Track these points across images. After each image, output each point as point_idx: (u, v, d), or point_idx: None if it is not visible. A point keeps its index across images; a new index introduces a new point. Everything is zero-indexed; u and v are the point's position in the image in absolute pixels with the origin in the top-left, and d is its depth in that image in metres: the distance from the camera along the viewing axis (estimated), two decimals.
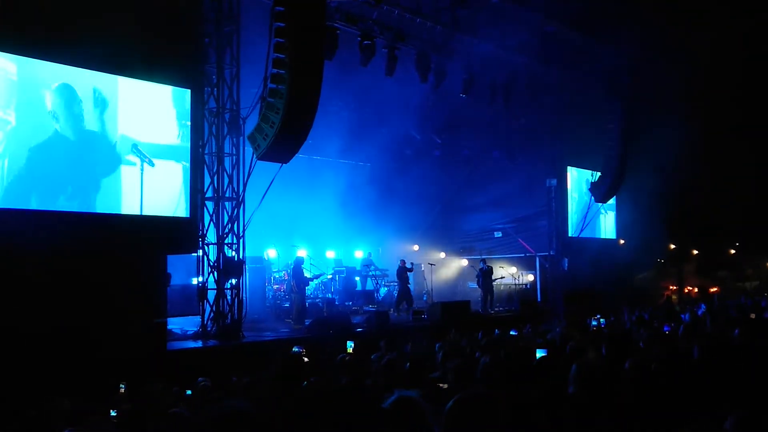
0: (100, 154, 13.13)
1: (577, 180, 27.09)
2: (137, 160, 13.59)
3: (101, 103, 13.11)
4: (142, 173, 13.61)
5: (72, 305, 11.68)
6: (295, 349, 11.10)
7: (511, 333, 12.88)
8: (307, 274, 19.46)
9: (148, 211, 13.64)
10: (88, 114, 12.90)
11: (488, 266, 22.94)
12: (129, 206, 13.42)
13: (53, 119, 12.37)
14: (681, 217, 30.38)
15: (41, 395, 9.11)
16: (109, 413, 7.73)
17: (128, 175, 13.46)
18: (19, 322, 11.05)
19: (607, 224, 28.99)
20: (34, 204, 12.04)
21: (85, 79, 12.78)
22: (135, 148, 13.54)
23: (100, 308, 12.03)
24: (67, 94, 12.57)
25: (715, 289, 32.78)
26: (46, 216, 12.05)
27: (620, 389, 5.19)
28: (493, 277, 23.32)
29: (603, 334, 11.44)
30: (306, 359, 9.97)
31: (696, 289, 33.44)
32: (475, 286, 23.69)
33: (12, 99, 11.86)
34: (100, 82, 13.01)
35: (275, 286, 20.31)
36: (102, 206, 12.99)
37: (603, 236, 28.57)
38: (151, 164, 13.80)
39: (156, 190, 13.87)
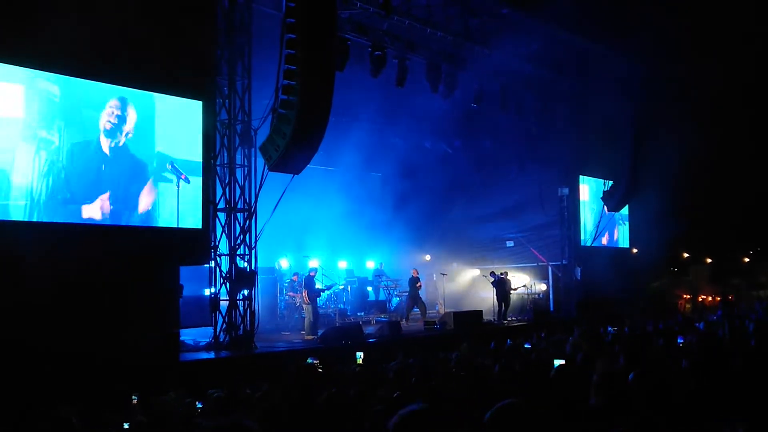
0: (138, 171, 13.42)
1: (594, 190, 27.06)
2: (173, 177, 13.89)
3: (140, 121, 13.41)
4: (178, 190, 13.96)
5: (85, 316, 11.73)
6: (309, 360, 11.10)
7: (525, 346, 12.78)
8: (319, 285, 19.46)
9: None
10: (128, 132, 13.15)
11: (504, 275, 22.83)
12: (165, 221, 13.82)
13: (94, 137, 12.71)
14: (694, 224, 30.21)
15: (53, 404, 9.14)
16: (122, 425, 7.73)
17: (164, 191, 13.83)
18: (35, 332, 11.10)
19: (624, 234, 28.99)
20: (63, 218, 12.23)
21: (123, 97, 13.04)
22: (172, 165, 13.77)
23: (113, 319, 12.07)
24: (111, 114, 12.93)
25: (729, 297, 32.59)
26: (66, 228, 12.16)
27: (634, 399, 5.16)
28: (513, 286, 23.32)
29: (616, 343, 11.39)
30: (320, 370, 9.98)
31: (710, 298, 33.24)
32: (488, 295, 23.63)
33: (55, 119, 12.20)
34: (137, 99, 13.25)
35: (289, 294, 20.29)
36: (139, 221, 13.30)
37: (622, 246, 28.58)
38: (187, 181, 14.07)
39: (190, 205, 14.20)
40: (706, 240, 33.51)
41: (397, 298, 23.94)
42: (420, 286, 22.21)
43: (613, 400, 4.82)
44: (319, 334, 17.11)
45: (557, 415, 4.87)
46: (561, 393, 5.40)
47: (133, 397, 9.08)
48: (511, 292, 23.37)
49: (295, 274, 20.41)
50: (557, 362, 7.50)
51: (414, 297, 21.63)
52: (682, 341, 11.47)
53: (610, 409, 4.79)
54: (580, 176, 26.31)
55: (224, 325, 15.15)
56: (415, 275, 21.89)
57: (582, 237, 26.16)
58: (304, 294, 18.08)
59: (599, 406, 4.83)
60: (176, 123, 14.09)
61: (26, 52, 11.73)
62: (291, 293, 20.28)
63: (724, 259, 36.06)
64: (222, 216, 15.50)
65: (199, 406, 8.70)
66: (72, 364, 11.23)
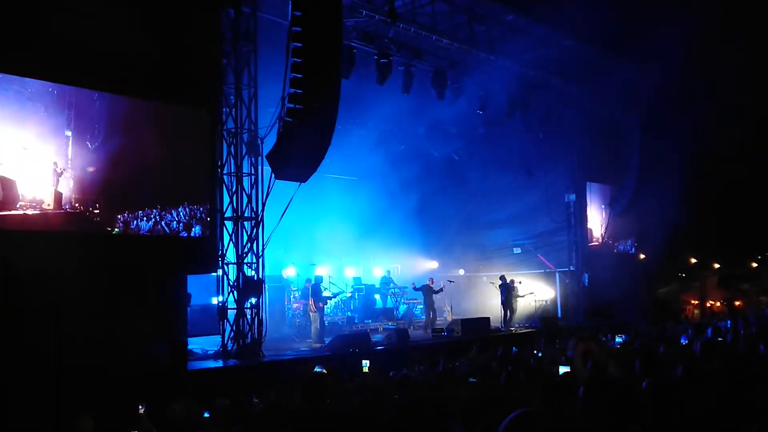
0: (144, 178, 13.51)
1: (600, 194, 27.06)
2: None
3: (145, 129, 13.48)
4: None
5: (92, 325, 11.73)
6: (317, 369, 11.10)
7: (538, 354, 12.74)
8: (327, 293, 19.47)
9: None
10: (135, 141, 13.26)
11: (510, 282, 22.80)
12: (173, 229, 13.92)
13: (102, 146, 12.79)
14: (702, 230, 30.12)
15: (62, 413, 9.17)
16: None
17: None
18: (41, 341, 11.13)
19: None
20: (70, 226, 12.30)
21: (120, 103, 13.09)
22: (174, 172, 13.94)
23: (120, 328, 12.07)
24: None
25: (738, 303, 32.47)
26: (73, 237, 12.20)
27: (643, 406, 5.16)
28: (521, 293, 23.31)
29: (624, 349, 11.37)
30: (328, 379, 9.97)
31: (718, 303, 33.10)
32: (496, 302, 23.60)
33: (63, 128, 12.34)
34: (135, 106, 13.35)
35: (294, 305, 20.33)
36: (146, 230, 13.36)
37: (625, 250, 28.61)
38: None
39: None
40: (713, 245, 33.39)
41: (405, 306, 23.92)
42: (442, 289, 22.22)
43: (622, 408, 4.82)
44: (326, 341, 17.12)
45: (566, 425, 4.88)
46: (565, 400, 5.39)
47: (140, 406, 9.08)
48: (518, 298, 23.34)
49: (308, 280, 20.41)
50: (562, 369, 7.50)
51: (430, 305, 21.54)
52: (686, 341, 11.43)
53: (619, 416, 4.79)
54: (587, 182, 26.31)
55: (232, 334, 15.16)
56: (430, 284, 21.81)
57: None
58: (311, 301, 18.09)
59: (606, 411, 4.84)
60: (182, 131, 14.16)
61: (32, 63, 11.78)
62: (296, 303, 20.30)
63: (732, 264, 35.90)
64: (229, 224, 15.53)
65: (206, 415, 8.70)
66: (79, 373, 11.26)
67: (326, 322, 19.56)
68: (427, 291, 21.52)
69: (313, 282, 18.68)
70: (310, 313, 18.31)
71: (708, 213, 29.09)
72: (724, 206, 29.64)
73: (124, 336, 12.11)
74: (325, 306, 18.96)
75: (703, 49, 22.48)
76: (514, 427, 3.62)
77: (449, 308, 24.27)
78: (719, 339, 12.66)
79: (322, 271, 20.82)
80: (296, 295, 20.42)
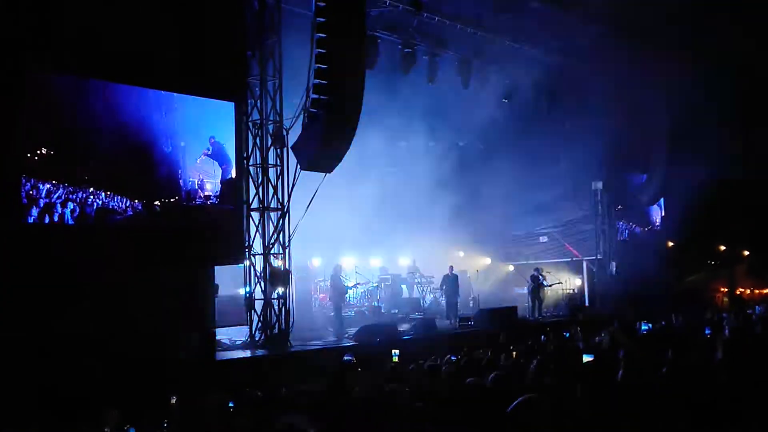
0: (174, 171, 13.69)
1: (628, 182, 26.95)
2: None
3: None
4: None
5: (122, 316, 11.85)
6: (346, 357, 11.13)
7: (565, 335, 12.81)
8: (348, 283, 19.47)
9: None
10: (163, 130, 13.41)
11: (539, 272, 22.69)
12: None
13: (135, 141, 12.94)
14: (731, 217, 29.83)
15: (92, 404, 9.27)
16: (162, 423, 7.81)
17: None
18: (72, 331, 11.23)
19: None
20: (101, 218, 12.44)
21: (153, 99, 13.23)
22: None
23: (149, 319, 12.18)
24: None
25: (742, 292, 32.23)
26: (103, 228, 12.31)
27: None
28: (549, 282, 23.22)
29: (652, 338, 11.33)
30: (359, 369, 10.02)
31: (747, 291, 32.80)
32: (523, 291, 23.56)
33: (95, 121, 12.53)
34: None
35: (320, 295, 20.41)
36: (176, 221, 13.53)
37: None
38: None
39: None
40: (742, 233, 33.02)
41: (431, 295, 23.91)
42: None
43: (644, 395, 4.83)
44: (349, 332, 17.14)
45: (578, 409, 4.92)
46: (588, 387, 5.40)
47: (172, 397, 9.14)
48: (547, 288, 23.26)
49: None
50: (586, 357, 7.50)
51: (452, 293, 21.40)
52: (709, 332, 11.37)
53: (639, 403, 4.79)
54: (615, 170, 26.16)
55: (260, 324, 15.26)
56: (450, 273, 21.75)
57: None
58: (330, 291, 18.16)
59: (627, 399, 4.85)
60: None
61: (59, 59, 11.90)
62: (321, 294, 20.39)
63: (762, 251, 35.49)
64: (255, 216, 15.61)
65: (231, 405, 8.74)
66: (109, 362, 11.36)
67: (352, 312, 19.60)
68: (451, 280, 21.44)
69: (332, 272, 18.69)
70: (331, 303, 18.35)
71: (737, 200, 28.81)
72: (753, 193, 29.32)
73: (153, 327, 12.22)
74: (347, 295, 18.95)
75: (729, 32, 22.22)
76: (520, 410, 3.74)
77: (476, 297, 24.21)
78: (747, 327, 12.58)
79: (348, 261, 20.82)
80: (322, 285, 20.53)
